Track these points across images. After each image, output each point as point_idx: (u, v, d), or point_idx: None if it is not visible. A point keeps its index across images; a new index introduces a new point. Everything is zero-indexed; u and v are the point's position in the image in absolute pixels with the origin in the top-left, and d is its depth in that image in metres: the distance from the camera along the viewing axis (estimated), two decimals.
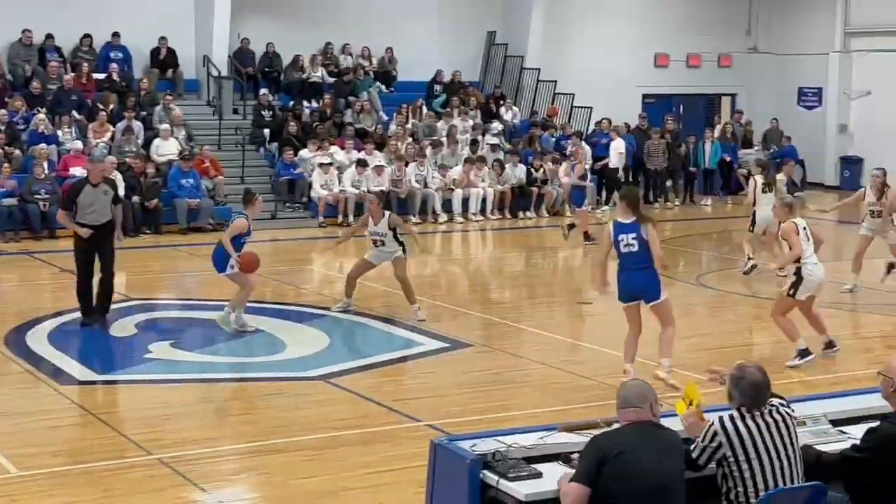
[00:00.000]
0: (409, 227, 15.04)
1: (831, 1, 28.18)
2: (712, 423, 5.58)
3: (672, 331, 10.37)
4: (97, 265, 12.54)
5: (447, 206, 22.29)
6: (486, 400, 10.04)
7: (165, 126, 21.64)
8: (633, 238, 9.99)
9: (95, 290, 12.60)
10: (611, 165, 24.35)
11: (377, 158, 22.23)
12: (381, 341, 12.58)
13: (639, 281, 10.07)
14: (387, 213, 13.46)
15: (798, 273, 11.17)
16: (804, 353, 11.23)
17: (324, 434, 8.96)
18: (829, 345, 11.58)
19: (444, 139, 23.71)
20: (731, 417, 5.57)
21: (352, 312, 13.47)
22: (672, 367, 10.31)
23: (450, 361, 11.57)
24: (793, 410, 5.72)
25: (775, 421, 5.58)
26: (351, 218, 21.09)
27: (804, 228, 11.30)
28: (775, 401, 5.69)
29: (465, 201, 22.49)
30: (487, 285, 16.61)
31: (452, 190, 22.38)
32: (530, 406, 9.76)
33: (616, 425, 5.56)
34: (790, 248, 11.22)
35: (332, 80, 24.68)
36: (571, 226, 19.01)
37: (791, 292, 11.21)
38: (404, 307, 13.35)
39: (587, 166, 24.03)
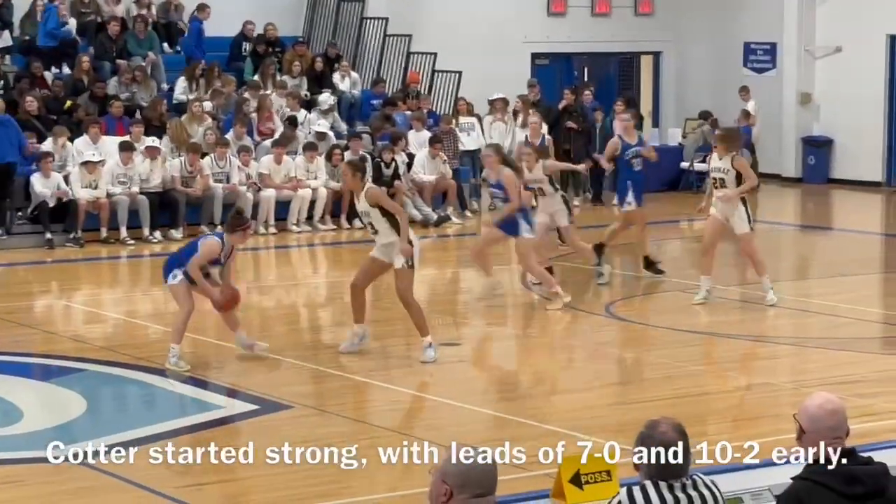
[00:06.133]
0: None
1: None
2: (617, 495, 5.72)
3: None
4: None
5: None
6: (319, 483, 9.93)
7: None
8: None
9: None
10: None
11: (156, 145, 21.88)
12: (166, 403, 12.58)
13: None
14: (366, 183, 13.38)
15: None
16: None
17: None
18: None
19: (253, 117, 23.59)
20: (643, 488, 5.65)
21: None
22: None
23: (261, 429, 11.46)
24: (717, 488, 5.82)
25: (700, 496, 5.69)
26: (124, 231, 20.80)
27: None
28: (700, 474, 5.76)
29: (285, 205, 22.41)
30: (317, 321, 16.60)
31: (259, 189, 22.16)
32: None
33: None
34: None
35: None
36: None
37: None
38: (206, 356, 13.24)
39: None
